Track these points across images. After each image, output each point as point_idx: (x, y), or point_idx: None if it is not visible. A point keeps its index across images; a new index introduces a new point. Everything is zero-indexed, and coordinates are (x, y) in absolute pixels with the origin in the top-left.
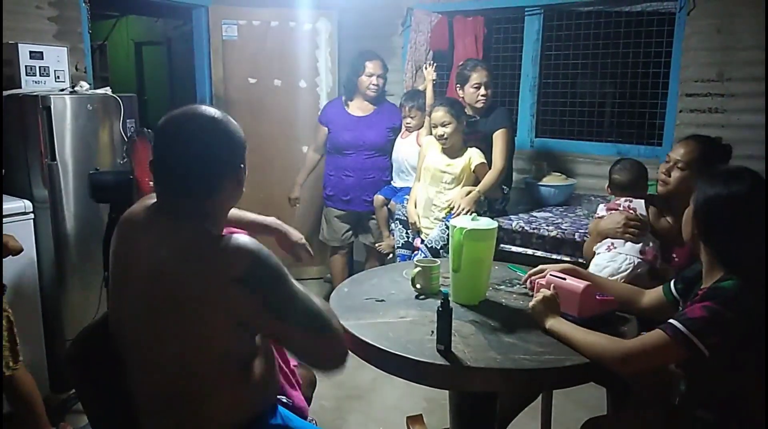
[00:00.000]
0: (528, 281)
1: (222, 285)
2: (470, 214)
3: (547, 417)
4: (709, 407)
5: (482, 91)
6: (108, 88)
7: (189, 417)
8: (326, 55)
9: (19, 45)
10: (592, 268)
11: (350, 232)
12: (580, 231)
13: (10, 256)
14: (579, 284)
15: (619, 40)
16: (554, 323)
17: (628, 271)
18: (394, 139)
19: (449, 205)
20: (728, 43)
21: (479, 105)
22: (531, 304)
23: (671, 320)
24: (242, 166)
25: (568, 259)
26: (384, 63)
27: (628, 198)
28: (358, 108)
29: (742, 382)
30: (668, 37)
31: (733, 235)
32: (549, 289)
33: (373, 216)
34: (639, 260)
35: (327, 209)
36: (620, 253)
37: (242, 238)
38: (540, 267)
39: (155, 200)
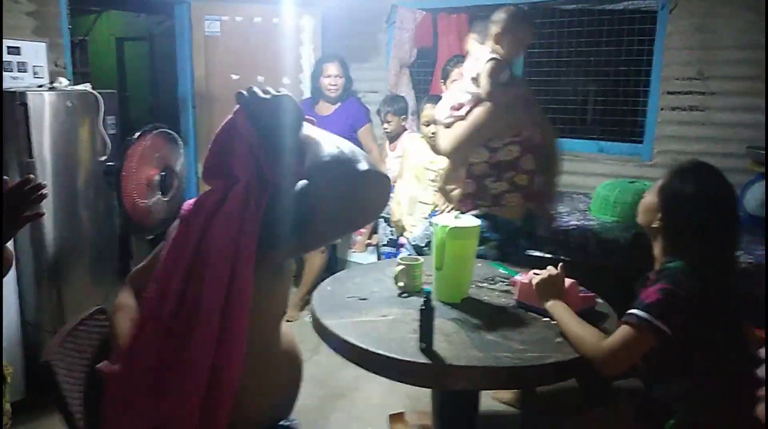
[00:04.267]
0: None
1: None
2: (453, 212)
3: (529, 412)
4: (668, 385)
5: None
6: (88, 84)
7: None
8: (310, 51)
9: None
10: None
11: None
12: (561, 227)
13: None
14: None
15: (602, 38)
16: (554, 305)
17: None
18: (355, 137)
19: (434, 202)
20: (709, 42)
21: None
22: (535, 280)
23: (632, 310)
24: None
25: (549, 256)
26: (343, 63)
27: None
28: (322, 108)
29: (699, 359)
30: (650, 35)
31: (693, 228)
32: (532, 288)
33: None
34: None
35: None
36: None
37: None
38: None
39: None
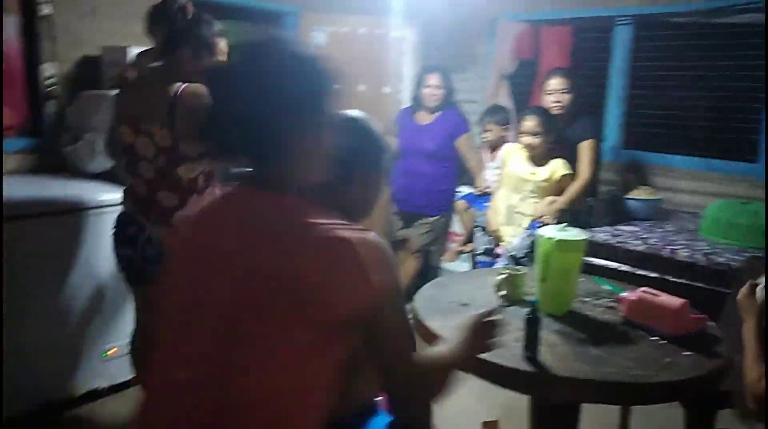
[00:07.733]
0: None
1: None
2: (560, 224)
3: None
4: None
5: (554, 97)
6: None
7: None
8: (411, 62)
9: None
10: None
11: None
12: (668, 247)
13: None
14: (674, 301)
15: (713, 52)
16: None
17: None
18: (454, 146)
19: (534, 213)
20: None
21: (555, 112)
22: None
23: None
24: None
25: (655, 275)
26: (445, 74)
27: None
28: (421, 117)
29: None
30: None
31: None
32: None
33: (424, 220)
34: None
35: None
36: None
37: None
38: None
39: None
